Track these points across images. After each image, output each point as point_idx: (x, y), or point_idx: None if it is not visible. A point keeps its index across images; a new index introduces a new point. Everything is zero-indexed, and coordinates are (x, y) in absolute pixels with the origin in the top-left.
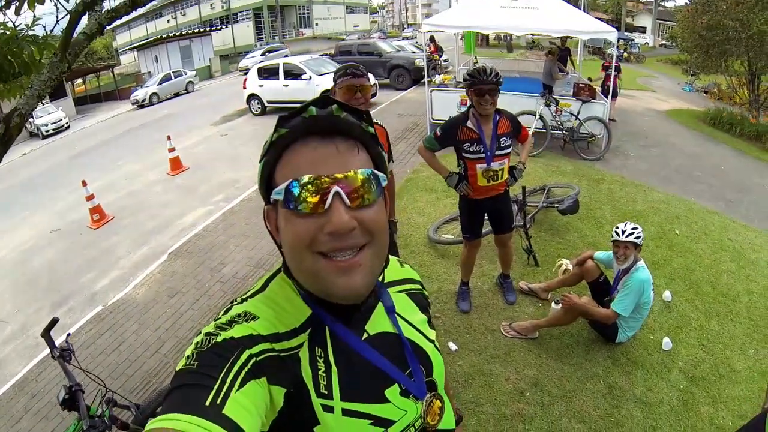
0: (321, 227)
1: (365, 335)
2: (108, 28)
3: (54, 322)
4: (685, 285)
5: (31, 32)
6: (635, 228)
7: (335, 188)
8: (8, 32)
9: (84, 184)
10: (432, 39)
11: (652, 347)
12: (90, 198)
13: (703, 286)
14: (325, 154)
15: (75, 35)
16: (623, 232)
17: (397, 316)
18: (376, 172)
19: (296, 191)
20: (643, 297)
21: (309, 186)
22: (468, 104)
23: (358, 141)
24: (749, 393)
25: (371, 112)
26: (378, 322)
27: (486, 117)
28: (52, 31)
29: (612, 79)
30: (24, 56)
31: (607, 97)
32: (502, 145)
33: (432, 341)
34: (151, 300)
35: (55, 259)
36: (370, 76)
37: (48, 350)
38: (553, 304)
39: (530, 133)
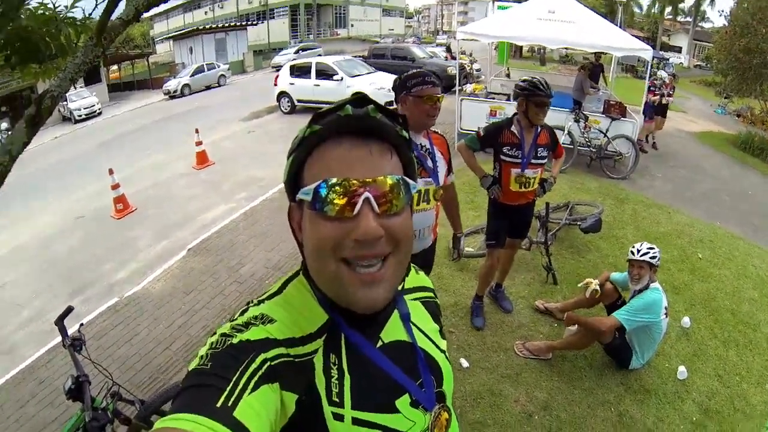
0: (348, 233)
1: (380, 343)
2: (146, 15)
3: (69, 310)
4: (705, 311)
5: (70, 14)
6: (651, 248)
7: (366, 194)
8: (48, 13)
9: (111, 172)
10: (448, 49)
11: (667, 375)
12: (115, 187)
13: (723, 313)
14: (357, 156)
15: (112, 20)
16: (638, 251)
17: (411, 325)
18: (406, 179)
19: (325, 193)
20: (651, 316)
21: (338, 188)
22: (513, 113)
23: (391, 145)
24: (764, 429)
25: None
26: (393, 330)
27: (527, 124)
28: (90, 14)
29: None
30: (61, 38)
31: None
32: (539, 155)
33: (443, 351)
34: (167, 295)
35: (76, 246)
36: None
37: (60, 338)
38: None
39: (563, 152)
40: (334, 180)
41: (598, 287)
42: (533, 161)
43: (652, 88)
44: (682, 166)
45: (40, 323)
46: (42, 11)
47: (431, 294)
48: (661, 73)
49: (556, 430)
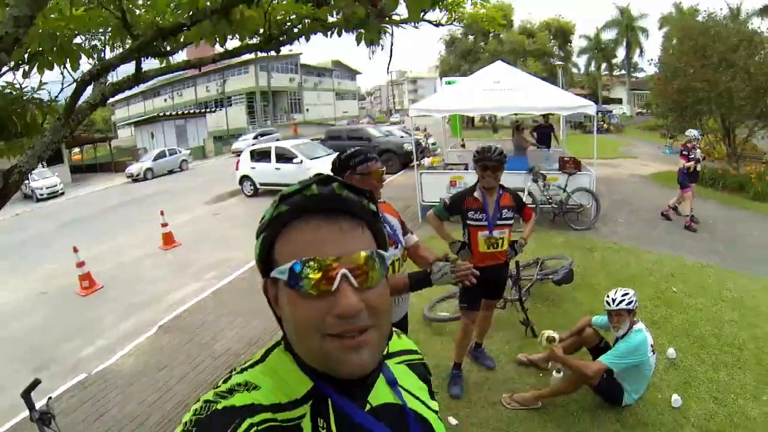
0: (328, 310)
1: (368, 407)
2: (108, 102)
3: (36, 383)
4: (688, 340)
5: (36, 96)
6: (625, 294)
7: (342, 270)
8: (15, 93)
9: (75, 250)
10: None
11: (662, 406)
12: (81, 264)
13: (707, 338)
14: (329, 235)
15: (79, 103)
16: (614, 300)
17: (399, 388)
18: (381, 252)
19: (301, 273)
20: (638, 357)
21: (315, 268)
22: (476, 180)
23: (361, 219)
24: None
25: None
26: (380, 394)
27: (490, 190)
28: (56, 97)
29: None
30: (27, 118)
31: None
32: (503, 216)
33: (435, 411)
34: (138, 372)
35: (39, 323)
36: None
37: (26, 413)
38: (554, 373)
39: (533, 214)
40: (310, 260)
41: (554, 335)
42: (498, 222)
43: (684, 152)
44: (642, 209)
45: (2, 399)
46: (9, 91)
47: (418, 356)
48: (693, 132)
49: None
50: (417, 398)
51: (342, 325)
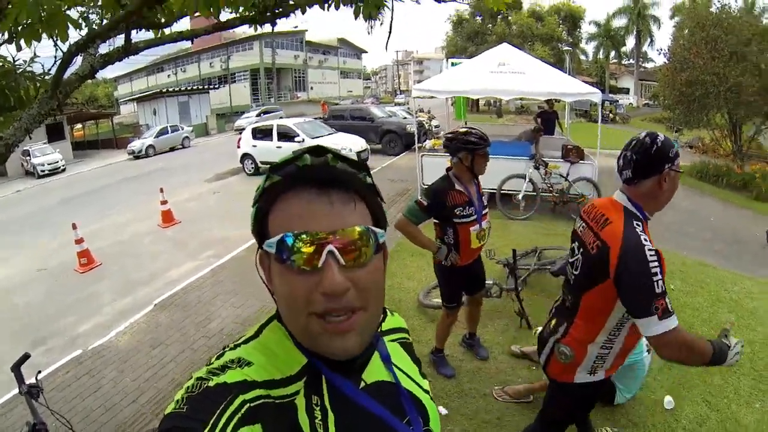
0: (315, 285)
1: (362, 384)
2: (110, 77)
3: (26, 357)
4: None
5: (29, 69)
6: None
7: (329, 246)
8: (7, 66)
9: (74, 226)
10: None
11: (654, 407)
12: (79, 241)
13: None
14: (318, 208)
15: (68, 75)
16: None
17: (393, 366)
18: (373, 228)
19: (288, 246)
20: (632, 358)
21: (300, 241)
22: (447, 171)
23: (355, 193)
24: None
25: None
26: (375, 371)
27: (468, 178)
28: (49, 70)
29: None
30: (20, 91)
31: None
32: (485, 203)
33: (427, 391)
34: (133, 349)
35: (38, 298)
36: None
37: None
38: None
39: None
40: (295, 233)
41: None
42: (484, 212)
43: None
44: None
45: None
46: (1, 64)
47: (406, 335)
48: None
49: None
50: (410, 377)
51: (327, 303)
